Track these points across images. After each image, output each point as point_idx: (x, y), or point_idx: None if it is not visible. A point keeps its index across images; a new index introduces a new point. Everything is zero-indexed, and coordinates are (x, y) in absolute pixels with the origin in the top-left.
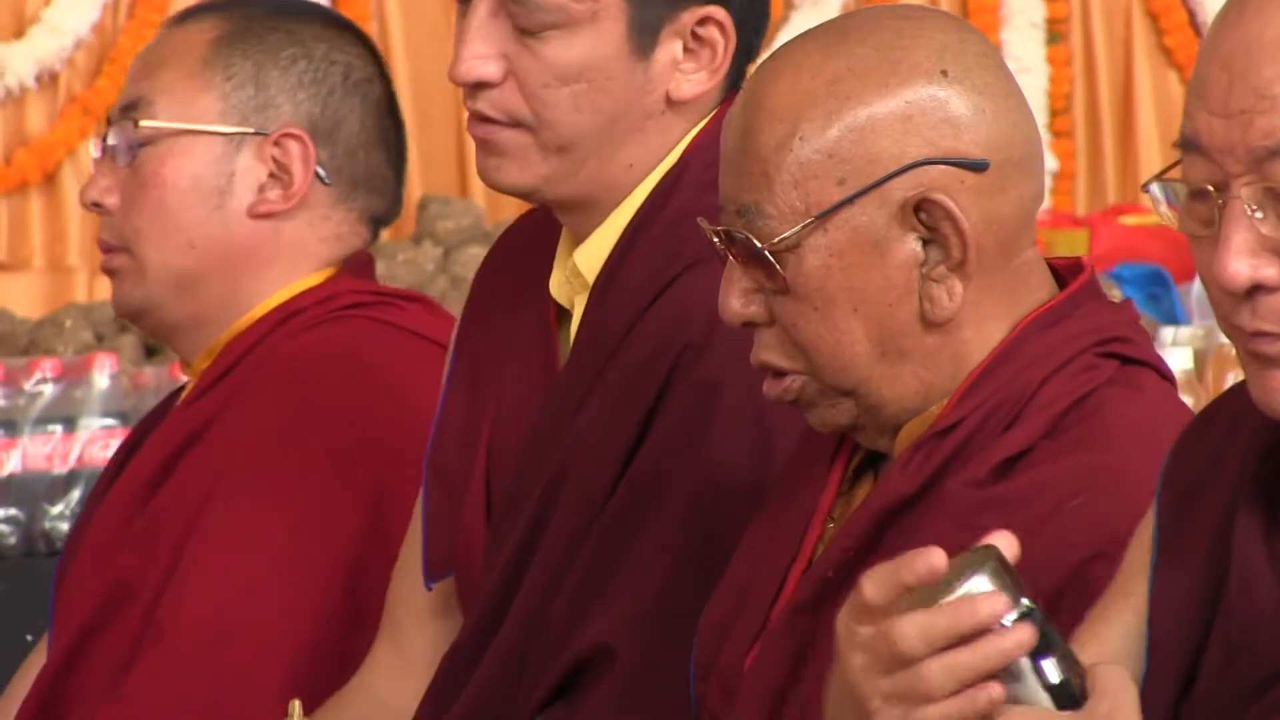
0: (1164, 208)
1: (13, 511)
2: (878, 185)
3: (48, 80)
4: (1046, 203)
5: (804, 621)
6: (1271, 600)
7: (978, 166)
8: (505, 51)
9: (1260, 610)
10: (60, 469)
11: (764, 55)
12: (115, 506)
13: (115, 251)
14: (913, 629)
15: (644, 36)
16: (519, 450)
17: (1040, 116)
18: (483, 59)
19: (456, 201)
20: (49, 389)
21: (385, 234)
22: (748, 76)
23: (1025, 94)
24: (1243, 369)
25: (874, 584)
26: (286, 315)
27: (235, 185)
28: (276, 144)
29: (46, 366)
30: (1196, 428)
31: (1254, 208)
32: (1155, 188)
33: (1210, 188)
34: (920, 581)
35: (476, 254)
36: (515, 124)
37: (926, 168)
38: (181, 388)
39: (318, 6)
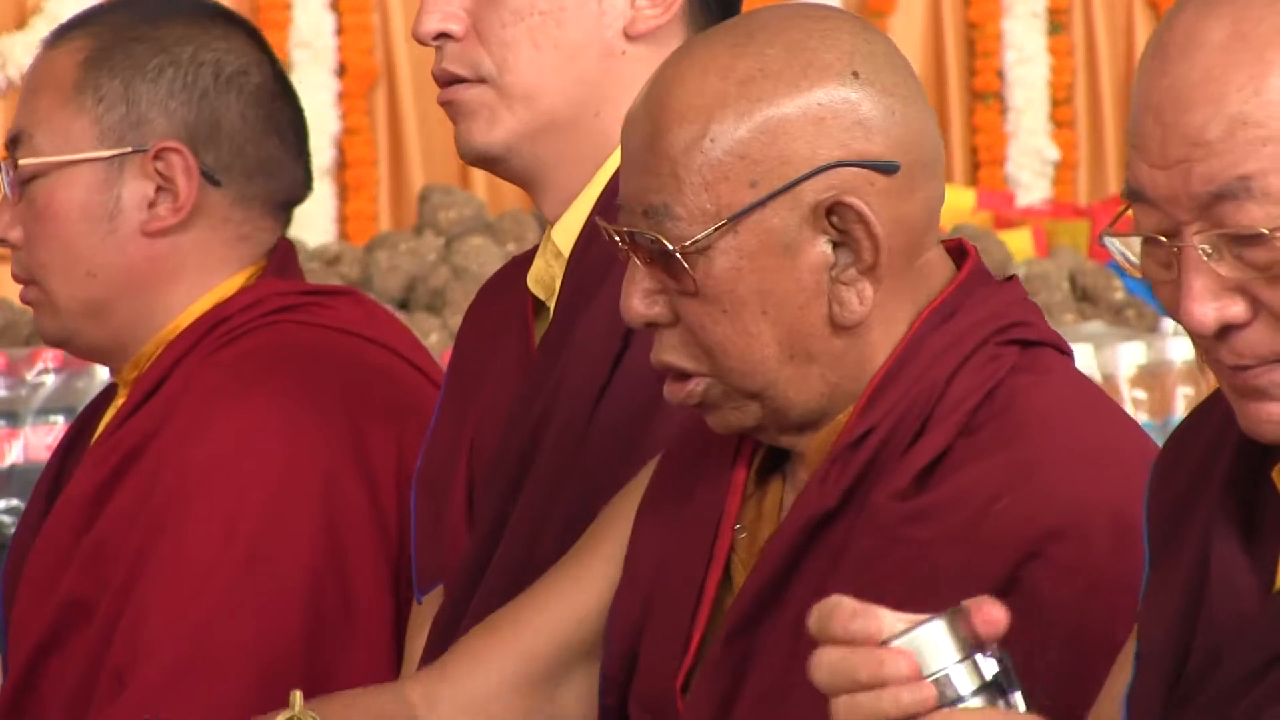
0: (1122, 257)
1: (15, 502)
2: (790, 187)
3: None
4: (1048, 193)
5: (739, 645)
6: (1252, 598)
7: (889, 169)
8: (465, 7)
9: (1242, 609)
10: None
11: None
12: (60, 523)
13: (27, 285)
14: (826, 661)
15: None
16: (500, 430)
17: (1042, 107)
18: (445, 14)
19: (458, 192)
20: (51, 379)
21: (387, 224)
22: (694, 37)
23: (1027, 84)
24: (1229, 399)
25: (818, 618)
26: (213, 324)
27: (124, 207)
28: (157, 158)
29: (48, 357)
30: (1175, 447)
31: (1208, 251)
32: (1109, 241)
33: (1163, 238)
34: (860, 641)
35: (478, 244)
36: (479, 79)
37: (838, 170)
38: (112, 389)
39: (185, 2)
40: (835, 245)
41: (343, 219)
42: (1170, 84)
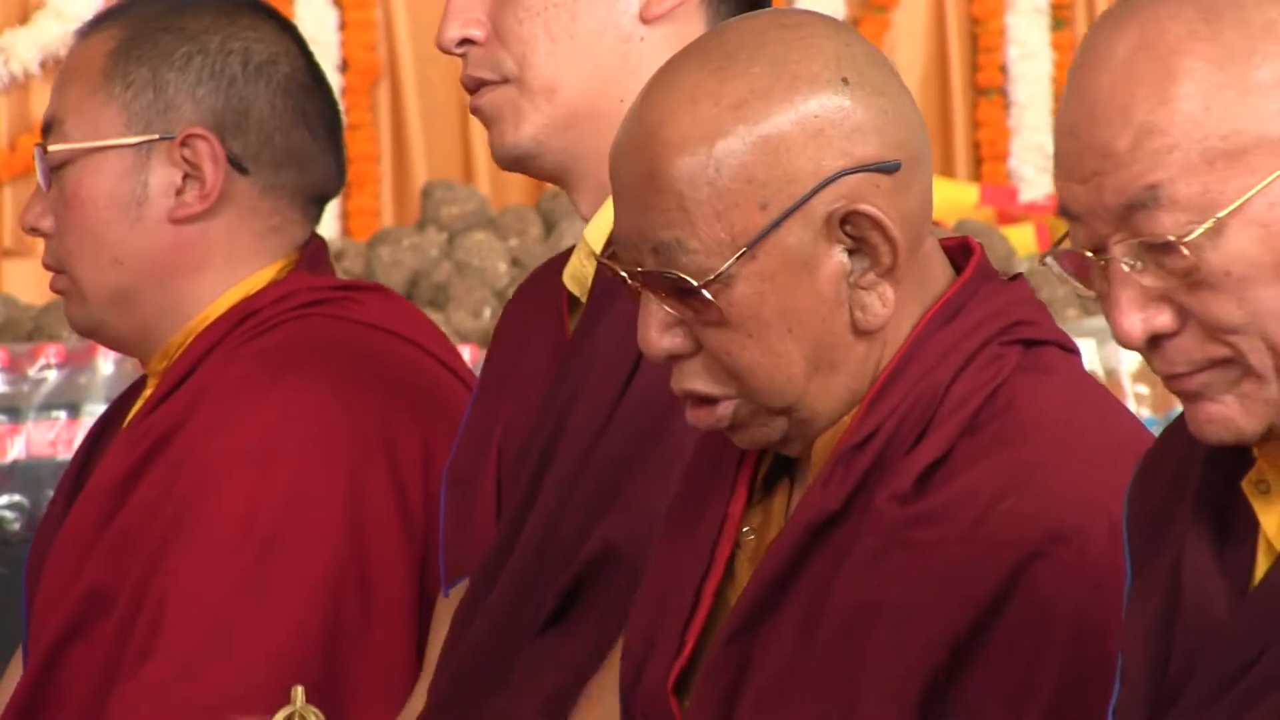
0: (1063, 278)
1: (17, 498)
2: (801, 204)
3: (53, 66)
4: (1051, 188)
5: (739, 646)
6: (1224, 603)
7: (892, 168)
8: (486, 12)
9: (1215, 615)
10: (64, 455)
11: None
12: (83, 514)
13: (57, 274)
14: None
15: None
16: (530, 422)
17: (1045, 102)
18: (466, 20)
19: (460, 187)
20: (53, 375)
21: (390, 219)
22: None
23: (1030, 80)
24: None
25: None
26: (243, 316)
27: (151, 194)
28: (184, 145)
29: (50, 353)
30: (1152, 456)
31: (1130, 263)
32: (1050, 262)
33: (1090, 253)
34: None
35: (481, 239)
36: (503, 80)
37: (844, 179)
38: (141, 381)
39: None
40: (850, 253)
41: (345, 215)
42: (1081, 100)
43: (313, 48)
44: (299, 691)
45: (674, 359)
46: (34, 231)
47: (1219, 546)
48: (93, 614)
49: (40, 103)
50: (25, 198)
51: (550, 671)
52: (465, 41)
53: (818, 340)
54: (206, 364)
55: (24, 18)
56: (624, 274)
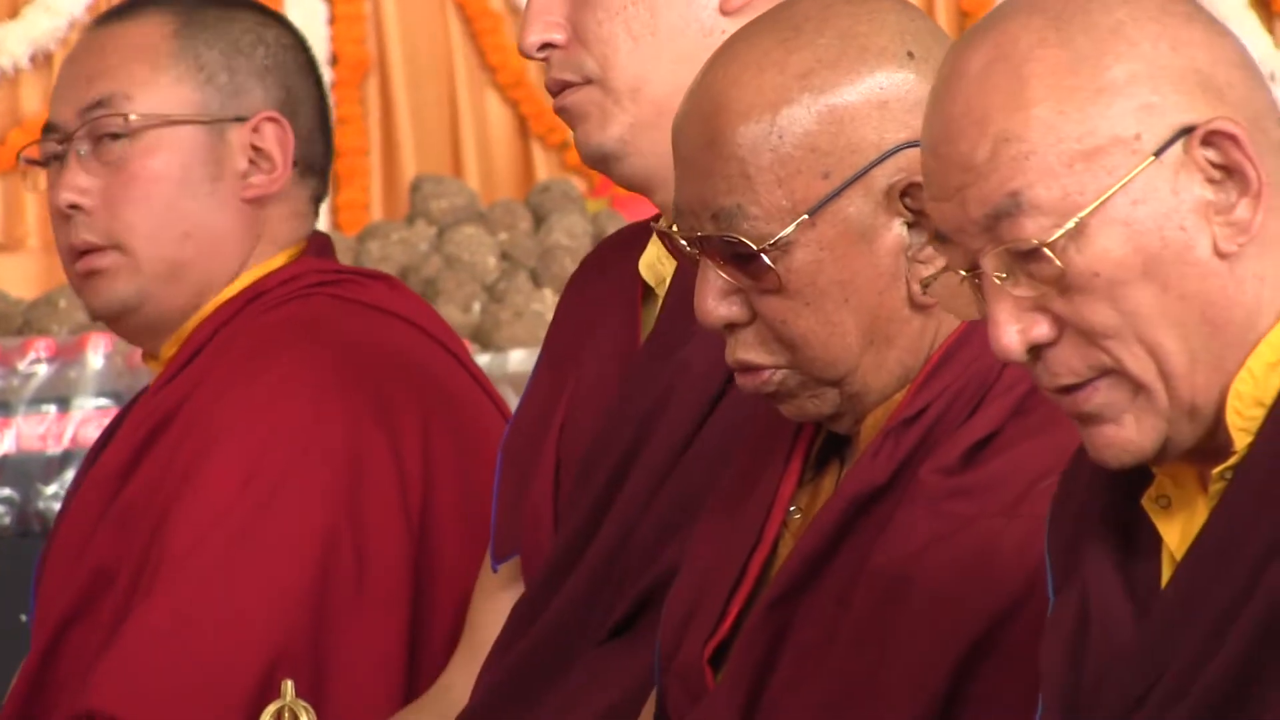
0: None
1: (7, 492)
2: (862, 174)
3: (43, 60)
4: None
5: (778, 614)
6: (1130, 624)
7: None
8: (565, 15)
9: (1121, 636)
10: (54, 449)
11: None
12: (90, 495)
13: (100, 251)
14: None
15: None
16: (599, 420)
17: None
18: (546, 24)
19: (450, 181)
20: (43, 369)
21: (379, 213)
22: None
23: None
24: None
25: None
26: (253, 296)
27: (225, 172)
28: (255, 129)
29: (41, 346)
30: (1065, 480)
31: (1001, 275)
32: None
33: (963, 273)
34: None
35: (470, 233)
36: (586, 81)
37: (906, 151)
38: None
39: None
40: (910, 226)
41: (335, 209)
42: (940, 118)
43: None
44: (289, 686)
45: (730, 328)
46: (73, 209)
47: (1124, 567)
48: (97, 591)
49: (30, 97)
50: (13, 192)
51: (610, 685)
52: (546, 45)
53: (874, 312)
54: (214, 342)
55: (14, 12)
56: (683, 241)
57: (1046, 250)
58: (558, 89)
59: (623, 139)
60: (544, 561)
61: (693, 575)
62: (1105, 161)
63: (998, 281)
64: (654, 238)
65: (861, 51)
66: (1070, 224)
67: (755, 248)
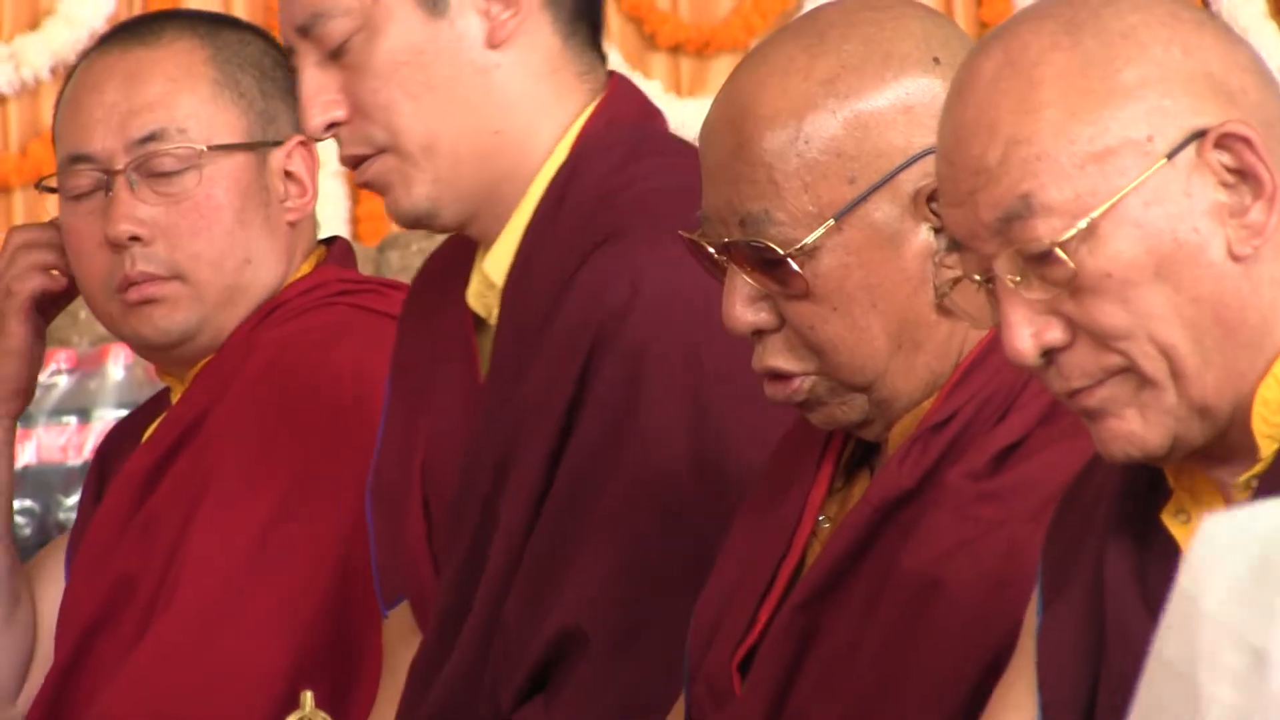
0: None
1: (28, 503)
2: (889, 179)
3: (63, 72)
4: None
5: (804, 618)
6: (1149, 633)
7: None
8: (340, 89)
9: (1138, 654)
10: (75, 460)
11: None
12: (113, 507)
13: (161, 281)
14: None
15: None
16: (457, 460)
17: None
18: (324, 104)
19: None
20: (64, 380)
21: (397, 225)
22: (729, 79)
23: None
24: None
25: None
26: (274, 306)
27: (271, 196)
28: (288, 154)
29: (61, 358)
30: (1078, 480)
31: (1014, 279)
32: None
33: (977, 277)
34: None
35: None
36: (380, 150)
37: (931, 156)
38: (161, 394)
39: (221, 14)
40: (937, 230)
41: (355, 219)
42: (952, 124)
43: None
44: (308, 697)
45: (758, 334)
46: (134, 240)
47: (1141, 578)
48: (119, 601)
49: (51, 108)
50: (35, 203)
51: None
52: (331, 125)
53: (901, 317)
54: (231, 356)
55: (34, 23)
56: (710, 249)
57: (1059, 251)
58: (354, 164)
59: (430, 196)
60: (433, 615)
61: (722, 583)
62: (1117, 163)
63: (1010, 285)
64: (475, 268)
65: (886, 57)
66: (1082, 224)
67: (782, 253)
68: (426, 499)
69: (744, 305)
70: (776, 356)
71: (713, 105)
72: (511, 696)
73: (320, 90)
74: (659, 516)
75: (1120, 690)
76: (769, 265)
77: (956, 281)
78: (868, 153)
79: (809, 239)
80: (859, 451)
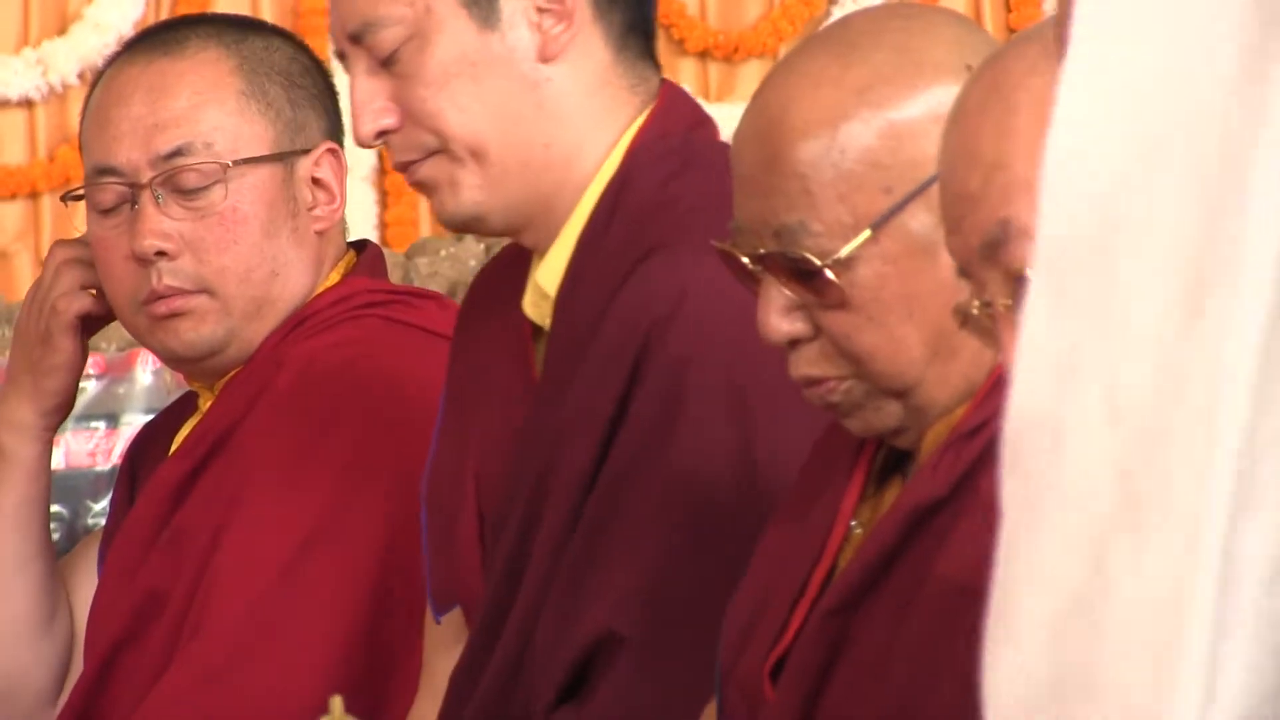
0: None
1: (56, 508)
2: (924, 188)
3: (90, 77)
4: None
5: (836, 624)
6: None
7: None
8: (391, 97)
9: None
10: (103, 465)
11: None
12: (142, 517)
13: (188, 295)
14: None
15: (482, 4)
16: (505, 466)
17: None
18: (375, 112)
19: None
20: (92, 385)
21: (427, 230)
22: (758, 88)
23: None
24: None
25: None
26: (302, 318)
27: (299, 207)
28: (316, 162)
29: (89, 363)
30: None
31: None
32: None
33: (977, 303)
34: None
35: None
36: (428, 154)
37: None
38: (189, 394)
39: (248, 17)
40: None
41: (383, 225)
42: (945, 150)
43: None
44: (337, 702)
45: (793, 344)
46: (160, 255)
47: None
48: (148, 616)
49: (78, 113)
50: (62, 209)
51: None
52: (382, 133)
53: (937, 326)
54: (262, 367)
55: (62, 29)
56: (744, 259)
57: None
58: (404, 169)
59: (476, 201)
60: (474, 623)
61: (754, 587)
62: None
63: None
64: (530, 278)
65: (919, 66)
66: None
67: (819, 263)
68: (480, 506)
69: (779, 315)
70: (812, 365)
71: (743, 116)
72: (545, 700)
73: (371, 98)
74: (696, 523)
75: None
76: (805, 276)
77: (966, 304)
78: (903, 162)
79: (846, 250)
80: (892, 458)
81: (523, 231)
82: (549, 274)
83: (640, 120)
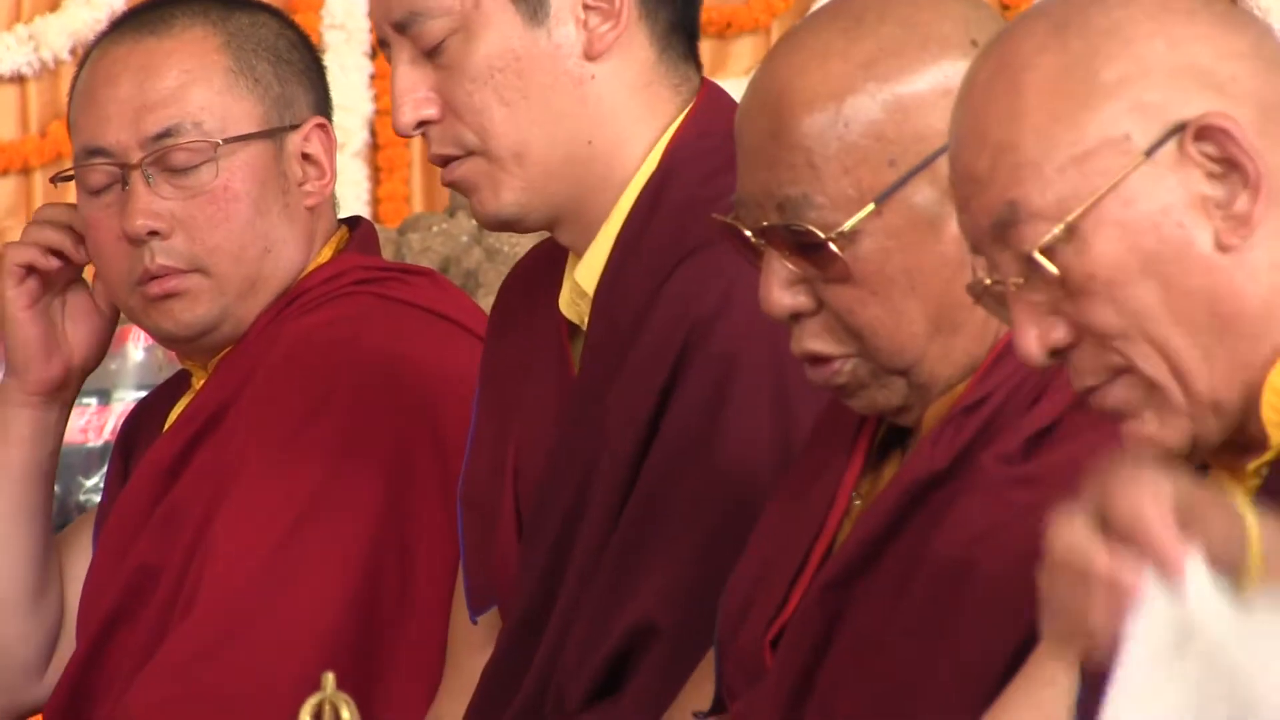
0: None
1: None
2: (929, 162)
3: (82, 53)
4: None
5: (834, 597)
6: None
7: None
8: (434, 88)
9: None
10: (95, 441)
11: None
12: (135, 495)
13: (182, 274)
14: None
15: (530, 0)
16: (544, 463)
17: None
18: (416, 101)
19: None
20: None
21: (420, 205)
22: (761, 62)
23: None
24: None
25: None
26: (296, 295)
27: (290, 183)
28: (305, 137)
29: None
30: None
31: (1017, 281)
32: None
33: (987, 280)
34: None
35: None
36: (469, 152)
37: None
38: (183, 372)
39: None
40: None
41: (375, 200)
42: (953, 130)
43: (342, 34)
44: (329, 678)
45: (796, 318)
46: (152, 235)
47: None
48: (141, 593)
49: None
50: (57, 189)
51: None
52: (422, 123)
53: (940, 300)
54: (258, 343)
55: (54, 5)
56: (747, 233)
57: (1038, 256)
58: (442, 163)
59: (518, 203)
60: (509, 621)
61: (755, 561)
62: (1097, 164)
63: (1014, 288)
64: (567, 276)
65: (925, 40)
66: (1058, 229)
67: (823, 236)
68: (518, 504)
69: (781, 289)
70: (815, 340)
71: (747, 90)
72: (581, 691)
73: (413, 87)
74: (736, 518)
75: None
76: (808, 249)
77: (975, 280)
78: (908, 136)
79: (849, 223)
80: (893, 433)
81: (560, 227)
82: (587, 273)
83: (681, 119)
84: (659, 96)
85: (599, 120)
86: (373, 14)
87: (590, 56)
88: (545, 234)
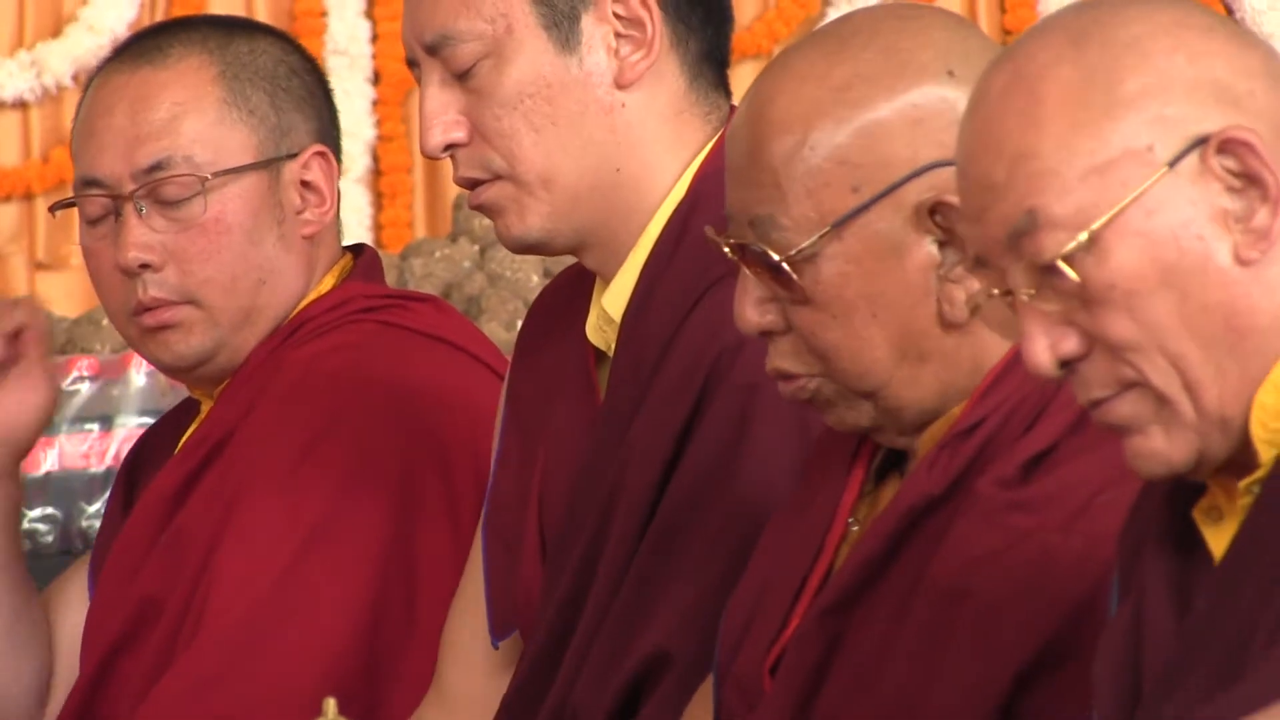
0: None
1: (50, 510)
2: (892, 190)
3: (85, 78)
4: None
5: (832, 623)
6: (1171, 644)
7: None
8: (463, 111)
9: (1166, 660)
10: (97, 467)
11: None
12: (140, 522)
13: (175, 306)
14: None
15: (562, 27)
16: (568, 491)
17: None
18: (445, 124)
19: None
20: (86, 387)
21: (422, 231)
22: (753, 82)
23: None
24: None
25: None
26: (299, 324)
27: (286, 214)
28: (304, 165)
29: (83, 365)
30: (1139, 496)
31: (1029, 292)
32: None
33: (996, 291)
34: None
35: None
36: (496, 176)
37: (939, 170)
38: (190, 400)
39: (237, 17)
40: (941, 244)
41: (378, 226)
42: (966, 139)
43: (345, 59)
44: (330, 704)
45: (766, 335)
46: (144, 268)
47: (1176, 580)
48: (145, 621)
49: (72, 115)
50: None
51: None
52: (450, 146)
53: (904, 328)
54: (261, 371)
55: (57, 30)
56: (725, 248)
57: (1062, 264)
58: (468, 185)
59: (544, 228)
60: (529, 649)
61: (753, 585)
62: (1118, 174)
63: (1026, 298)
64: (594, 302)
65: (902, 67)
66: (1082, 237)
67: (777, 258)
68: (543, 531)
69: (752, 306)
70: (784, 359)
71: (741, 104)
72: (610, 701)
73: (442, 110)
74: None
75: (1151, 688)
76: (773, 270)
77: (980, 295)
78: (873, 162)
79: (805, 245)
80: (891, 456)
81: (587, 252)
82: (615, 300)
83: (710, 146)
84: (689, 125)
85: (628, 148)
86: (403, 34)
87: (621, 85)
88: (547, 258)
